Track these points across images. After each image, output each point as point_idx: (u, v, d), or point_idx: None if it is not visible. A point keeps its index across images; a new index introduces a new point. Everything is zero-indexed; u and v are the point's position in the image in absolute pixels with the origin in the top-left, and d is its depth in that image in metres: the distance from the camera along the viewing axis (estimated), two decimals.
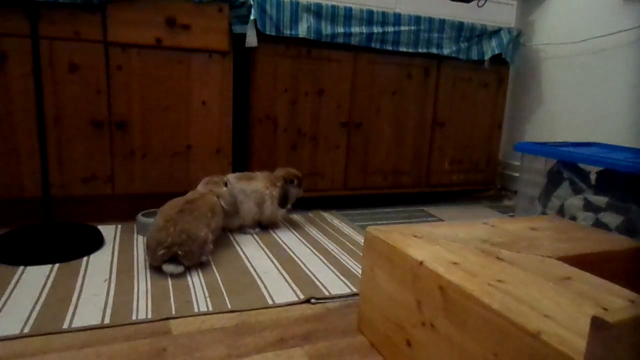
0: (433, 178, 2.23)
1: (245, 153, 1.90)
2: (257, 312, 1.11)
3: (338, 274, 1.36)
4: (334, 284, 1.28)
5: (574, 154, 1.55)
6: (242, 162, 1.91)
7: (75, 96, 1.57)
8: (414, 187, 2.20)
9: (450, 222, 1.20)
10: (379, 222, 1.91)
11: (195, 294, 1.18)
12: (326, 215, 1.96)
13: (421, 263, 0.84)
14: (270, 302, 1.16)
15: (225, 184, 1.50)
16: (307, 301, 1.18)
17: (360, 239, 1.67)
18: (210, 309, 1.11)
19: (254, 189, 1.65)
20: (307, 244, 1.59)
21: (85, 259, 1.36)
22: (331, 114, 1.96)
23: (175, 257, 1.28)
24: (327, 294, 1.22)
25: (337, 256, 1.50)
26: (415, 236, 0.99)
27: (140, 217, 1.62)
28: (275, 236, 1.66)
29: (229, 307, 1.12)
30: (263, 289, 1.23)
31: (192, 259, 1.31)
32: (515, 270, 0.83)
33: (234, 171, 1.80)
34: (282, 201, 1.68)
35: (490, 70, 2.21)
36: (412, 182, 2.19)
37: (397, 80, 2.05)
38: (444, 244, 0.94)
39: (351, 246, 1.60)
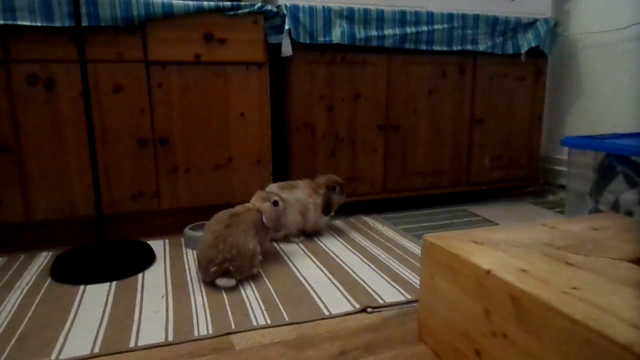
0: (473, 176, 2.19)
1: (285, 161, 1.91)
2: (315, 324, 1.11)
3: (389, 280, 1.35)
4: (386, 292, 1.27)
5: (627, 146, 1.49)
6: (281, 171, 1.92)
7: (120, 116, 1.61)
8: (454, 187, 2.17)
9: (507, 225, 1.17)
10: (422, 224, 1.88)
11: (252, 307, 1.19)
12: (368, 219, 1.95)
13: (488, 272, 0.82)
14: (326, 312, 1.16)
15: (276, 203, 1.47)
16: (363, 310, 1.18)
17: (406, 243, 1.65)
18: (269, 322, 1.12)
19: (297, 198, 1.65)
20: (354, 251, 1.59)
21: (140, 275, 1.39)
22: (368, 118, 1.95)
23: (227, 271, 1.29)
24: (381, 302, 1.21)
25: (385, 262, 1.49)
26: (475, 242, 0.97)
27: (187, 231, 1.64)
28: (321, 244, 1.66)
29: (287, 319, 1.13)
30: (317, 299, 1.23)
31: (244, 272, 1.32)
32: (588, 275, 0.80)
33: (274, 181, 1.81)
34: (326, 209, 1.68)
35: (528, 63, 2.16)
36: (451, 181, 2.15)
37: (432, 80, 2.02)
38: (507, 250, 0.92)
39: (398, 251, 1.58)
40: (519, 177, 2.29)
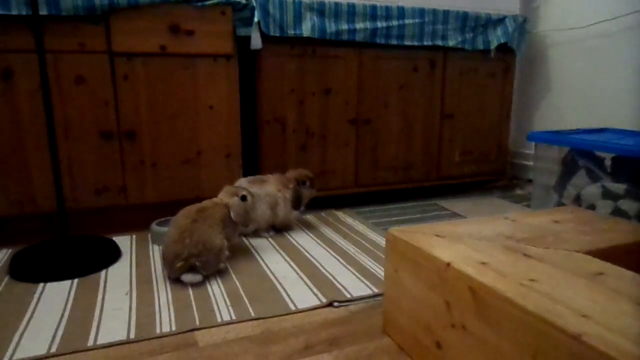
0: (443, 171, 2.21)
1: (255, 155, 1.89)
2: (280, 319, 1.11)
3: (357, 274, 1.35)
4: (354, 286, 1.28)
5: (590, 141, 1.53)
6: (252, 165, 1.90)
7: (83, 108, 1.56)
8: (425, 181, 2.19)
9: (471, 218, 1.19)
10: (392, 219, 1.89)
11: (217, 303, 1.17)
12: (339, 214, 1.95)
13: (448, 264, 0.83)
14: (292, 307, 1.16)
15: (244, 198, 1.45)
16: (330, 305, 1.18)
17: (375, 237, 1.66)
18: (234, 317, 1.10)
19: (266, 192, 1.64)
20: (323, 245, 1.58)
21: (103, 272, 1.36)
22: (339, 112, 1.95)
23: (193, 267, 1.27)
24: (348, 296, 1.21)
25: (354, 256, 1.49)
26: (438, 235, 0.98)
27: (154, 226, 1.61)
28: (291, 238, 1.65)
29: (252, 314, 1.12)
30: (284, 294, 1.22)
31: (210, 268, 1.30)
32: (545, 267, 0.81)
33: (244, 175, 1.79)
34: (296, 203, 1.67)
35: (497, 59, 2.19)
36: (422, 175, 2.17)
37: (403, 75, 2.03)
38: (469, 243, 0.93)
39: (367, 245, 1.59)
40: (489, 172, 2.33)
